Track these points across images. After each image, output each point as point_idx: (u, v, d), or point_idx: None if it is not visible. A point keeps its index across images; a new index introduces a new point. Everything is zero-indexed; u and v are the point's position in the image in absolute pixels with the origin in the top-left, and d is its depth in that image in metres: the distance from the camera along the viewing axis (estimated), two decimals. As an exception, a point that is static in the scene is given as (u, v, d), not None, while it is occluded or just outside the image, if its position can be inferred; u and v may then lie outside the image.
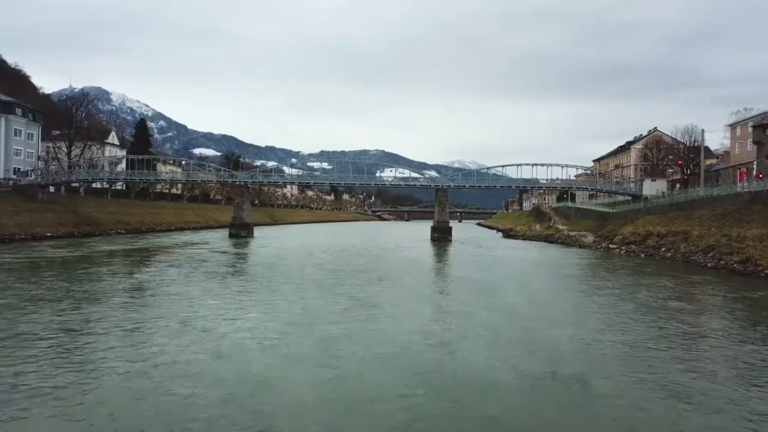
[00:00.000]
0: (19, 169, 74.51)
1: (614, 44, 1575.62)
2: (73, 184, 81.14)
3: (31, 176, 74.12)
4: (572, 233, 66.44)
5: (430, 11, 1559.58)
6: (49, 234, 56.66)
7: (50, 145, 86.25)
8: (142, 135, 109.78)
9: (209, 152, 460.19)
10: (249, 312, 19.92)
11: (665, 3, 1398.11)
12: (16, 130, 75.06)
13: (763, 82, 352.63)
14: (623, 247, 49.78)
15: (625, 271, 34.89)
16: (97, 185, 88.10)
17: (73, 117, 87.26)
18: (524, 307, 22.13)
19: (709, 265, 35.10)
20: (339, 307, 20.97)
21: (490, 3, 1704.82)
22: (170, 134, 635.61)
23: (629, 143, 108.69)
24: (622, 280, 30.37)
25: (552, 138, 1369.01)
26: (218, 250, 48.82)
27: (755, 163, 60.89)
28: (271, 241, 64.94)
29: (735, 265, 32.85)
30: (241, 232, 70.34)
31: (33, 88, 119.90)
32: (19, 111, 75.87)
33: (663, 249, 43.39)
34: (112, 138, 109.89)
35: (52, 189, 75.83)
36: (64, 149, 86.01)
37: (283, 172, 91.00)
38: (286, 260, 40.87)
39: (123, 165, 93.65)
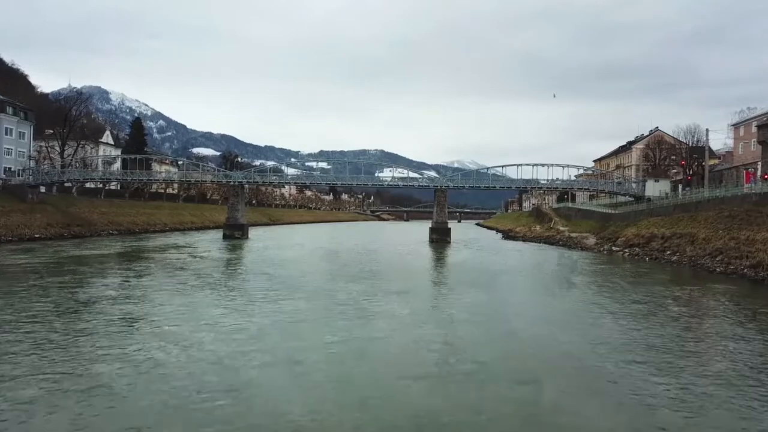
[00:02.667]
0: (9, 168, 73.07)
1: (614, 44, 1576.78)
2: (66, 184, 79.88)
3: (21, 176, 72.74)
4: (573, 235, 65.11)
5: (429, 11, 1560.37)
6: (37, 235, 55.30)
7: (43, 144, 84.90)
8: (138, 134, 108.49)
9: (208, 152, 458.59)
10: (198, 344, 15.86)
11: (665, 3, 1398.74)
12: (6, 128, 73.61)
13: (764, 82, 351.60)
14: (626, 250, 48.41)
15: (639, 279, 32.22)
16: (90, 185, 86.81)
17: (66, 116, 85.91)
18: (561, 336, 17.89)
19: (717, 269, 33.69)
20: (316, 341, 16.59)
21: (490, 3, 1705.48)
22: (169, 134, 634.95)
23: (630, 143, 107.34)
24: (643, 290, 27.29)
25: (552, 138, 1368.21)
26: (202, 255, 45.04)
27: (760, 163, 59.64)
28: (264, 243, 63.12)
29: (745, 270, 31.43)
30: (235, 233, 68.96)
31: (30, 87, 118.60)
32: (10, 109, 74.38)
33: (668, 252, 42.01)
34: (107, 137, 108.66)
35: (43, 189, 74.46)
36: (57, 148, 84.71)
37: (281, 171, 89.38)
38: (272, 269, 36.16)
39: (118, 164, 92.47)
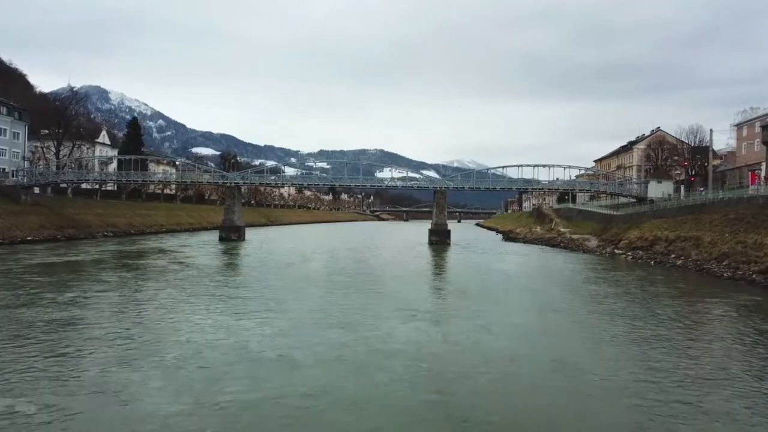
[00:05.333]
0: (3, 169, 72.09)
1: (614, 44, 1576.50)
2: (61, 185, 78.97)
3: (15, 177, 71.78)
4: (575, 236, 64.12)
5: (430, 12, 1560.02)
6: (29, 238, 54.26)
7: (38, 144, 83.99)
8: (134, 134, 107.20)
9: (208, 152, 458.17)
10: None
11: (665, 3, 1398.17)
12: (0, 129, 72.67)
13: (764, 82, 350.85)
14: (629, 253, 47.39)
15: (659, 288, 29.64)
16: (86, 186, 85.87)
17: (62, 116, 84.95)
18: (628, 381, 14.24)
19: (725, 275, 32.69)
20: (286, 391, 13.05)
21: (491, 3, 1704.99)
22: (169, 133, 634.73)
23: (631, 143, 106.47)
24: (667, 302, 24.99)
25: (552, 138, 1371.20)
26: (189, 262, 41.18)
27: (764, 164, 58.81)
28: (259, 246, 61.42)
29: (754, 275, 30.45)
30: (231, 235, 67.88)
31: (28, 87, 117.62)
32: (4, 109, 73.40)
33: (673, 256, 41.00)
34: (103, 137, 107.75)
35: (37, 190, 73.57)
36: (53, 149, 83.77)
37: (280, 171, 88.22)
38: (261, 279, 32.37)
39: (114, 165, 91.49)
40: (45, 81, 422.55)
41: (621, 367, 15.48)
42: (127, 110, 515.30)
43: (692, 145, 78.83)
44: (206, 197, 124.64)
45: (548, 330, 20.49)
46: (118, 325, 19.40)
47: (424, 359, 15.91)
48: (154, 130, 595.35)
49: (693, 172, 75.46)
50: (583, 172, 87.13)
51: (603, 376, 14.61)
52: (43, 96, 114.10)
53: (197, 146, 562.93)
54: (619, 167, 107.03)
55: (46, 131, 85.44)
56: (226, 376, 13.99)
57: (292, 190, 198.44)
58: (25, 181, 70.82)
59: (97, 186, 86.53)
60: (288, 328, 19.50)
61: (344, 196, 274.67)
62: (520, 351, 17.17)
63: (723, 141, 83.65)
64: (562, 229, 73.50)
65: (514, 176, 74.73)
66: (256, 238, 75.39)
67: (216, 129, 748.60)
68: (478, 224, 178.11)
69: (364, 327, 19.84)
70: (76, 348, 16.31)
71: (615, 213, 65.80)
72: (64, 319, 20.02)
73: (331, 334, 18.63)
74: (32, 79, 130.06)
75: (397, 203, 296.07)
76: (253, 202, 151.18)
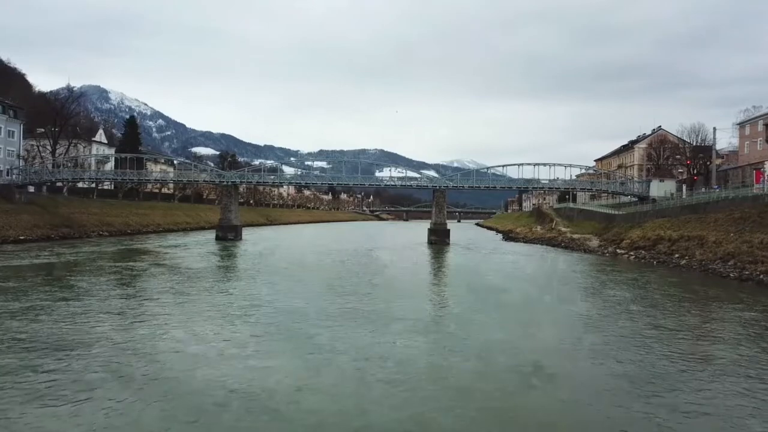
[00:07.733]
0: (-2, 168, 71.25)
1: (614, 44, 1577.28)
2: (57, 184, 78.17)
3: (9, 175, 70.92)
4: (576, 236, 63.33)
5: (429, 12, 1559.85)
6: (22, 237, 53.47)
7: (34, 143, 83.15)
8: (132, 133, 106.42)
9: (207, 151, 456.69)
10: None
11: (665, 4, 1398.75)
12: (-5, 127, 71.79)
13: (763, 82, 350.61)
14: (632, 253, 46.59)
15: (681, 293, 27.87)
16: (83, 185, 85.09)
17: (58, 114, 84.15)
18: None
19: (731, 275, 31.90)
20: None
21: (490, 3, 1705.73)
22: (168, 133, 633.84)
23: (632, 142, 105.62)
24: (688, 307, 23.56)
25: (552, 138, 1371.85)
26: (178, 263, 39.21)
27: (767, 162, 58.12)
28: (256, 247, 60.18)
29: (761, 275, 29.67)
30: (228, 234, 67.10)
31: (27, 86, 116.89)
32: (-2, 107, 72.54)
33: (676, 255, 40.20)
34: (100, 136, 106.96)
35: (32, 189, 72.73)
36: (49, 147, 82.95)
37: (278, 170, 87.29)
38: (251, 285, 29.64)
39: (111, 164, 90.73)
40: (45, 81, 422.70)
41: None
42: (127, 110, 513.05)
43: (694, 144, 78.14)
44: (204, 197, 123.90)
45: (587, 346, 17.66)
46: (51, 345, 15.86)
47: (455, 391, 13.14)
48: (154, 129, 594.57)
49: (695, 171, 74.76)
50: (583, 171, 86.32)
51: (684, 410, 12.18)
52: (42, 95, 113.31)
53: (197, 146, 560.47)
54: (620, 166, 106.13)
55: (42, 129, 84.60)
56: (182, 412, 11.26)
57: (292, 190, 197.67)
58: (19, 179, 69.98)
59: (93, 185, 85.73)
60: (270, 342, 16.97)
61: (344, 196, 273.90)
62: (566, 370, 14.99)
63: (724, 140, 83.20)
64: (563, 229, 72.74)
65: (514, 176, 73.96)
66: (253, 238, 74.50)
67: (216, 129, 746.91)
68: (477, 224, 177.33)
69: (362, 346, 16.72)
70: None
71: (616, 212, 65.02)
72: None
73: (323, 353, 15.79)
74: (32, 79, 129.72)
75: (396, 203, 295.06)
76: (252, 201, 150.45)
